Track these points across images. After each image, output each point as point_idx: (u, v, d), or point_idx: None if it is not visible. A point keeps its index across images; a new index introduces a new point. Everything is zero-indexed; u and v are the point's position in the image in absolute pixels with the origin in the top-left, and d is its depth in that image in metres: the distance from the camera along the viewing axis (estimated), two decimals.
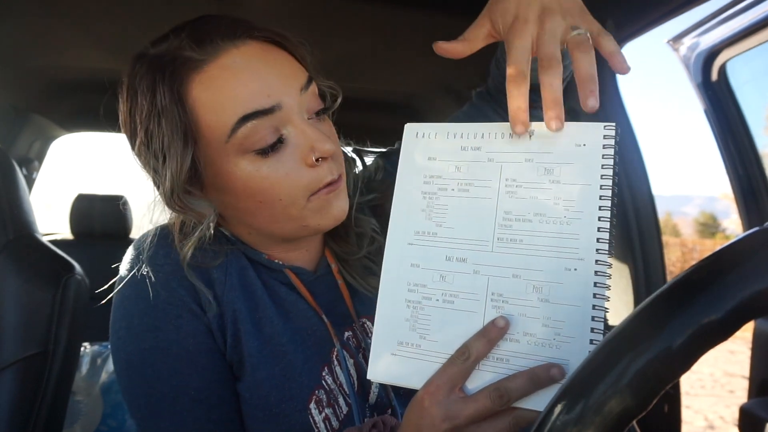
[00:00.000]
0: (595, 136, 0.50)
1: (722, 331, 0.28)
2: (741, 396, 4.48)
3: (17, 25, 1.28)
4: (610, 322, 1.04)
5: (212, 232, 0.63)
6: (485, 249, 0.51)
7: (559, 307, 0.48)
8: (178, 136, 0.57)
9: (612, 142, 0.50)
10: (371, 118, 2.11)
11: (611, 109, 1.36)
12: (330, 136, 0.62)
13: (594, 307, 0.47)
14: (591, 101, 0.48)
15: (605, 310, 0.47)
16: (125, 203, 2.00)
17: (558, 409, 0.30)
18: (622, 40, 1.24)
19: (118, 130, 0.66)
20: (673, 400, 1.42)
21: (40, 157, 2.06)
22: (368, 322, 0.70)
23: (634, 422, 0.29)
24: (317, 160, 0.59)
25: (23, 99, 1.77)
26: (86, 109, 1.94)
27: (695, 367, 0.29)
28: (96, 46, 1.42)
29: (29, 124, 1.88)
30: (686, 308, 0.28)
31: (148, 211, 0.65)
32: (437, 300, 0.51)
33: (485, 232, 0.51)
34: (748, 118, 1.35)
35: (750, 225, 1.40)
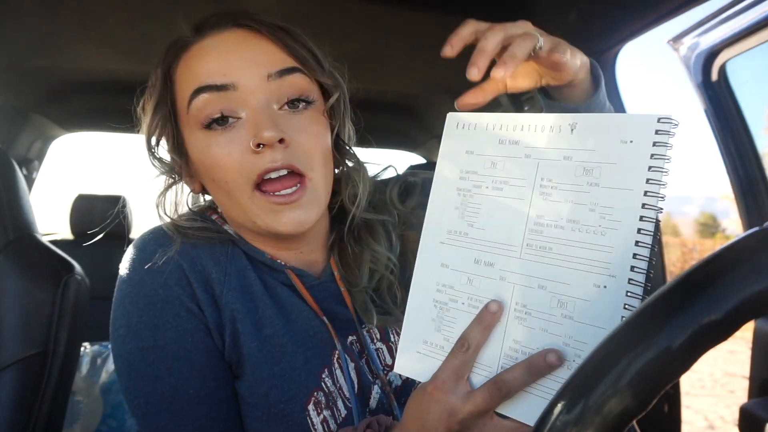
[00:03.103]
0: (646, 131, 0.43)
1: (722, 331, 0.28)
2: (741, 396, 4.48)
3: (18, 25, 1.28)
4: None
5: (209, 212, 0.70)
6: (513, 255, 0.47)
7: (583, 327, 0.43)
8: (151, 103, 0.65)
9: (666, 138, 0.42)
10: (371, 118, 2.10)
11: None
12: (299, 130, 0.61)
13: None
14: (471, 70, 0.49)
15: None
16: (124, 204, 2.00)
17: (558, 409, 0.30)
18: (622, 40, 1.24)
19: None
20: (673, 400, 1.42)
21: (40, 157, 2.06)
22: (374, 328, 0.69)
23: (634, 422, 0.29)
24: (258, 146, 0.58)
25: (23, 99, 1.77)
26: (86, 109, 1.94)
27: (695, 367, 0.28)
28: (96, 47, 1.42)
29: (29, 124, 1.88)
30: (686, 308, 0.28)
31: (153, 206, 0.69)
32: (463, 303, 0.50)
33: (514, 236, 0.48)
34: (748, 118, 1.35)
35: (750, 225, 1.40)
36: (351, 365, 0.65)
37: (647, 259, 0.42)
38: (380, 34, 1.36)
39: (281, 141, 0.58)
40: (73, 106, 1.90)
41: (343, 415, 0.63)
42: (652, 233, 0.42)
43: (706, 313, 0.28)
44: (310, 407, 0.61)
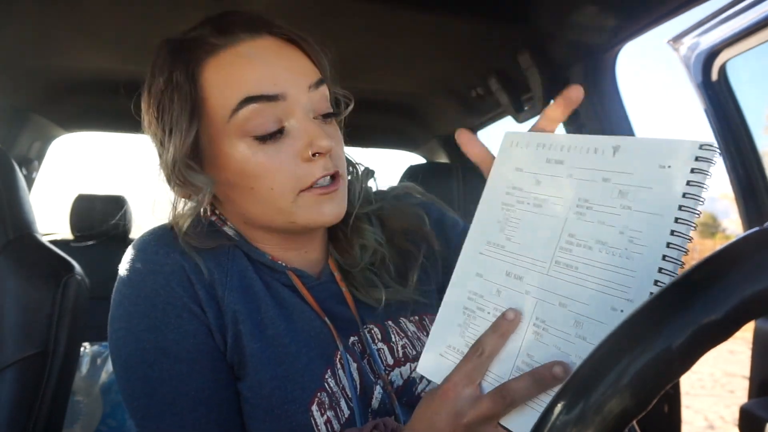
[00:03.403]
0: (685, 157, 0.42)
1: (722, 331, 0.28)
2: (741, 396, 4.48)
3: (18, 25, 1.28)
4: None
5: (209, 214, 0.67)
6: (541, 270, 0.48)
7: None
8: (185, 112, 0.60)
9: (705, 166, 0.42)
10: (371, 118, 2.11)
11: (611, 109, 1.36)
12: (333, 137, 0.63)
13: None
14: None
15: None
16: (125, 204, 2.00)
17: (558, 409, 0.30)
18: (622, 40, 1.24)
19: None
20: (673, 400, 1.42)
21: (40, 157, 2.06)
22: (375, 328, 0.70)
23: (634, 422, 0.29)
24: (313, 155, 0.61)
25: (23, 99, 1.77)
26: (86, 109, 1.94)
27: (695, 367, 0.28)
28: (96, 47, 1.42)
29: (29, 124, 1.88)
30: (686, 308, 0.28)
31: (151, 206, 0.67)
32: (488, 313, 0.51)
33: (545, 252, 0.48)
34: (748, 118, 1.35)
35: (750, 225, 1.40)
36: (353, 365, 0.65)
37: None
38: (380, 34, 1.36)
39: (329, 150, 0.61)
40: (73, 106, 1.90)
41: (346, 416, 0.63)
42: (678, 261, 0.41)
43: (706, 313, 0.28)
44: (314, 408, 0.61)
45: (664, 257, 0.42)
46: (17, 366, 0.85)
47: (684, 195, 0.42)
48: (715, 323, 0.28)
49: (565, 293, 0.46)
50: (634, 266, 0.43)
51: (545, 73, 1.37)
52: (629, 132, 1.39)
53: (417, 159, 2.54)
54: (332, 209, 0.63)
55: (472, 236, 0.55)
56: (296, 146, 0.61)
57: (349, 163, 0.75)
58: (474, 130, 2.20)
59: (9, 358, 0.85)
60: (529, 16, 1.23)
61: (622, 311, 0.43)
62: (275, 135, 0.60)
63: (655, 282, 0.42)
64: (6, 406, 0.84)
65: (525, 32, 1.31)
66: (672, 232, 0.42)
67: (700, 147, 0.42)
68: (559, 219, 0.48)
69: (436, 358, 0.53)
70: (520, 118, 1.57)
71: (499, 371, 0.49)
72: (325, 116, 0.65)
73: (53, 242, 1.02)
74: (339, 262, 0.72)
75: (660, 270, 0.42)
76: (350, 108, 0.69)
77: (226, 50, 0.61)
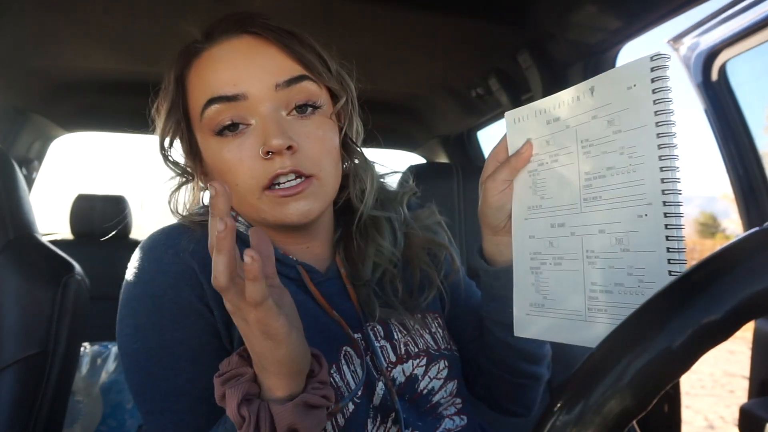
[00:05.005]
0: (643, 72, 0.48)
1: (722, 331, 0.28)
2: (741, 396, 4.48)
3: (18, 25, 1.28)
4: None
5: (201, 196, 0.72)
6: (576, 211, 0.55)
7: (639, 255, 0.49)
8: (165, 107, 0.67)
9: (662, 73, 0.48)
10: (371, 118, 2.10)
11: None
12: (306, 135, 0.62)
13: (668, 249, 0.46)
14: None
15: (681, 250, 0.46)
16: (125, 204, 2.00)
17: (558, 409, 0.30)
18: (622, 40, 1.24)
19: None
20: (673, 400, 1.42)
21: (40, 157, 2.06)
22: (378, 326, 0.70)
23: (634, 422, 0.29)
24: (267, 153, 0.60)
25: (23, 99, 1.77)
26: (86, 109, 1.94)
27: (695, 367, 0.29)
28: (96, 46, 1.43)
29: (29, 124, 1.88)
30: (686, 308, 0.28)
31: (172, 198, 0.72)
32: (549, 264, 0.58)
33: (573, 195, 0.55)
34: (748, 118, 1.35)
35: (750, 225, 1.40)
36: (357, 361, 0.66)
37: (675, 180, 0.47)
38: (380, 34, 1.36)
39: (289, 148, 0.60)
40: (73, 106, 1.90)
41: (350, 411, 0.63)
42: (671, 155, 0.47)
43: (706, 313, 0.28)
44: None
45: (660, 157, 0.47)
46: (17, 366, 0.86)
47: (654, 102, 0.48)
48: (715, 323, 0.28)
49: (600, 221, 0.52)
50: (640, 176, 0.49)
51: (545, 73, 1.37)
52: None
53: (417, 159, 2.54)
54: (298, 208, 0.62)
55: (516, 208, 0.62)
56: (256, 144, 0.61)
57: (359, 156, 0.74)
58: (474, 130, 2.20)
59: (9, 358, 0.85)
60: (529, 16, 1.23)
61: (646, 215, 0.48)
62: (237, 133, 0.62)
63: (662, 180, 0.47)
64: (6, 406, 0.84)
65: (525, 32, 1.31)
66: (658, 135, 0.47)
67: (652, 59, 0.48)
68: (574, 164, 0.55)
69: (526, 320, 0.61)
70: None
71: (575, 305, 0.55)
72: (302, 110, 0.63)
73: (53, 242, 1.02)
74: (347, 272, 0.72)
75: (662, 169, 0.47)
76: (341, 103, 0.68)
77: (205, 53, 0.65)
